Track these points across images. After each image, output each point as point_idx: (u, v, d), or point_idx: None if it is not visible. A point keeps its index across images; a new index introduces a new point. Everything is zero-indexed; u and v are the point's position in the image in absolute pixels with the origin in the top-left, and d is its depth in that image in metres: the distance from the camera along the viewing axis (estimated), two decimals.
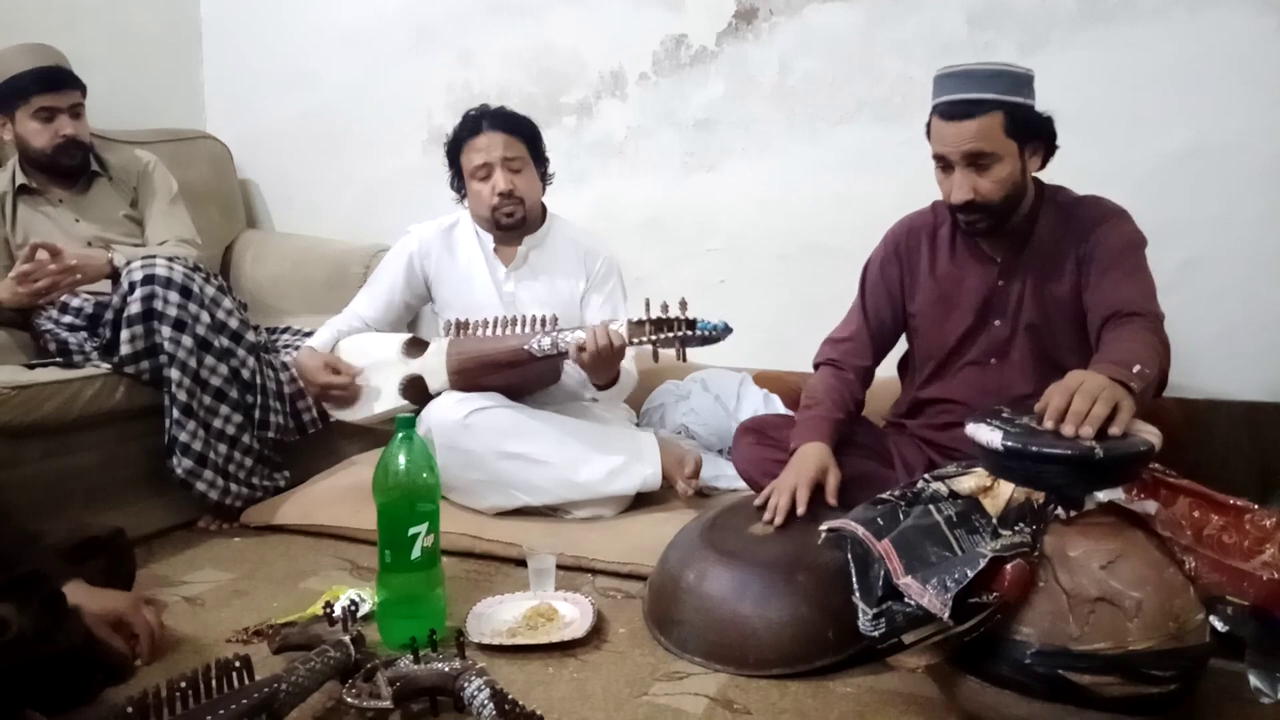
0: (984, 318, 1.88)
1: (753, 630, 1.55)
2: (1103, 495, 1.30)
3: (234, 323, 2.23)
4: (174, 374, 2.12)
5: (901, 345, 2.06)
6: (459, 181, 2.36)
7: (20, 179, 2.39)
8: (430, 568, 1.64)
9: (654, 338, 1.98)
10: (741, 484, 2.10)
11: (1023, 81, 1.73)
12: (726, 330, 1.97)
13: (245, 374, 2.24)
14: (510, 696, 1.32)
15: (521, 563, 1.89)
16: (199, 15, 3.33)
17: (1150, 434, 1.34)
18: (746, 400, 2.47)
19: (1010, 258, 1.85)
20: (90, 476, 2.12)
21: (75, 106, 2.37)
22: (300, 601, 1.81)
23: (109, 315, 2.15)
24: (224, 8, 3.31)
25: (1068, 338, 1.81)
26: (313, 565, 2.04)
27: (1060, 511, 1.30)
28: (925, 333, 1.95)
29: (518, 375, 2.18)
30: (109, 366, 2.15)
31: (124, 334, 2.10)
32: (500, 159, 2.25)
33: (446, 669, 1.39)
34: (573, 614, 1.71)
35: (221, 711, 1.25)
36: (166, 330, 2.11)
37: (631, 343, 2.01)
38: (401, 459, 1.63)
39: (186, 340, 2.13)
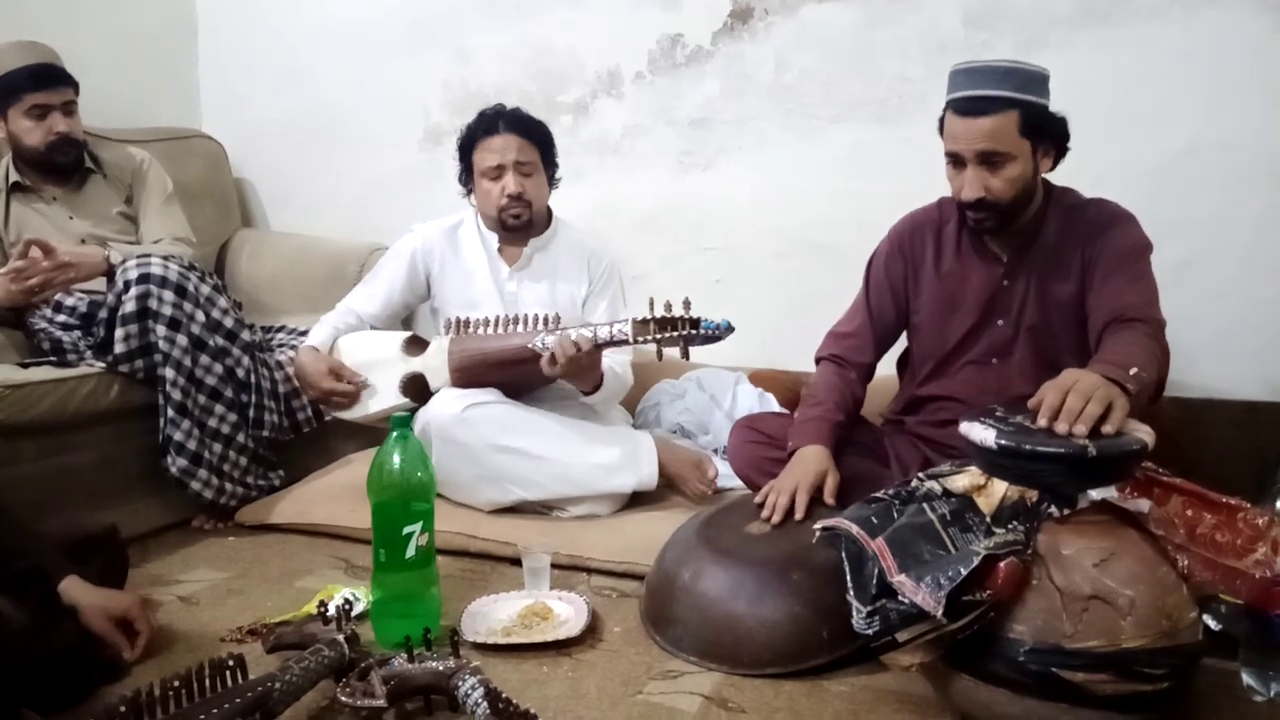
0: (987, 317, 1.88)
1: (748, 629, 1.55)
2: (1096, 494, 1.30)
3: (229, 322, 2.22)
4: (169, 373, 2.11)
5: (901, 342, 2.06)
6: (467, 177, 2.37)
7: (14, 176, 2.39)
8: (425, 567, 1.64)
9: (658, 336, 1.99)
10: (737, 482, 2.10)
11: (1038, 80, 1.73)
12: (729, 329, 1.98)
13: (240, 373, 2.24)
14: (504, 695, 1.32)
15: (517, 562, 1.89)
16: (195, 14, 3.33)
17: (1144, 433, 1.35)
18: (741, 399, 2.47)
19: (1015, 257, 1.85)
20: (85, 475, 2.12)
21: (68, 104, 2.36)
22: (295, 600, 1.81)
23: (103, 314, 2.15)
24: (220, 6, 3.30)
25: (1069, 340, 1.81)
26: (308, 564, 2.03)
27: (1054, 510, 1.30)
28: (927, 330, 1.95)
29: (520, 373, 2.18)
30: (103, 365, 2.15)
31: (118, 332, 2.10)
32: (513, 162, 2.27)
33: (441, 668, 1.39)
34: (568, 613, 1.71)
35: (215, 710, 1.25)
36: (161, 329, 2.10)
37: (636, 341, 2.02)
38: (396, 458, 1.63)
39: (181, 339, 2.12)
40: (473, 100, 2.96)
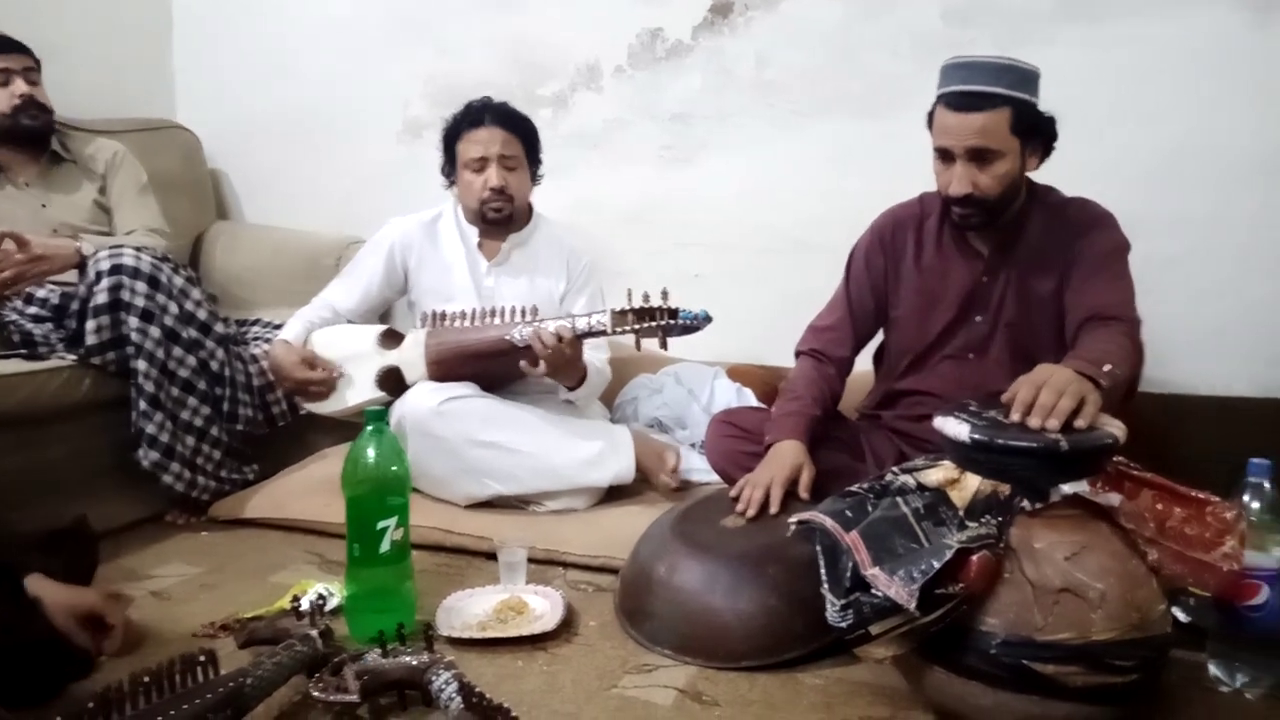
0: (966, 312, 1.89)
1: (723, 623, 1.56)
2: (1068, 488, 1.31)
3: (202, 314, 2.20)
4: (141, 365, 2.09)
5: (878, 337, 2.07)
6: (450, 168, 2.36)
7: None
8: (400, 561, 1.63)
9: (636, 327, 1.99)
10: (713, 476, 2.10)
11: (1030, 78, 1.74)
12: (707, 319, 1.98)
13: (214, 365, 2.22)
14: (479, 690, 1.32)
15: (492, 556, 1.88)
16: (170, 3, 3.29)
17: (1115, 427, 1.36)
18: (719, 394, 2.47)
19: (996, 254, 1.86)
20: (57, 469, 2.09)
21: (29, 70, 2.36)
22: (269, 595, 1.80)
23: (75, 305, 2.13)
24: None
25: (1046, 337, 1.82)
26: (282, 559, 2.02)
27: (1026, 504, 1.31)
28: (906, 325, 1.96)
29: (497, 366, 2.17)
30: (75, 358, 2.12)
31: (90, 324, 2.07)
32: (497, 155, 2.27)
33: (414, 662, 1.39)
34: (543, 607, 1.71)
35: (186, 706, 1.23)
36: (134, 321, 2.08)
37: (614, 332, 2.02)
38: (371, 452, 1.62)
39: (154, 331, 2.10)
40: (452, 93, 2.92)
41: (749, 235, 2.72)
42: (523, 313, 2.12)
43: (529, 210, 2.41)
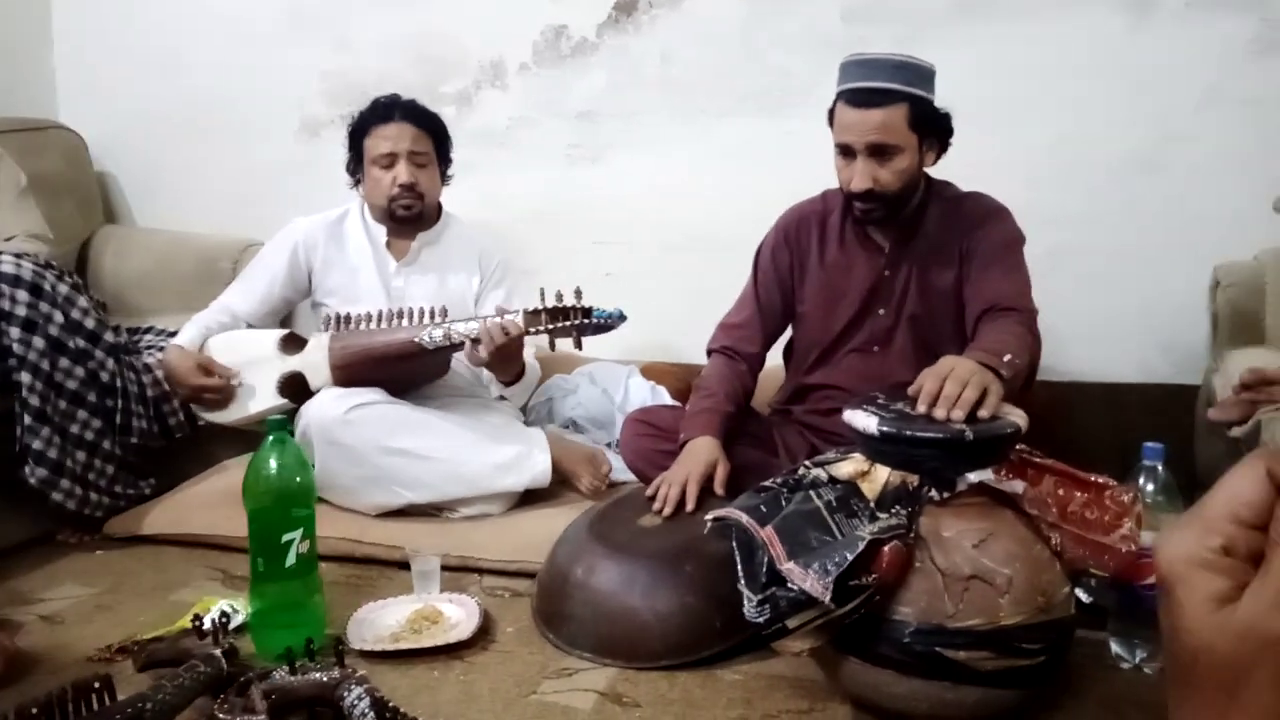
0: (869, 306, 1.92)
1: (642, 622, 1.55)
2: (973, 476, 1.35)
3: (90, 322, 2.10)
4: (24, 377, 1.98)
5: (788, 332, 2.09)
6: (356, 165, 2.30)
7: None
8: (307, 575, 1.58)
9: (550, 326, 1.97)
10: (629, 476, 2.09)
11: (926, 75, 1.78)
12: (621, 317, 1.97)
13: (104, 376, 2.12)
14: (392, 704, 1.29)
15: (405, 565, 1.84)
16: None
17: (1017, 416, 1.39)
18: (634, 393, 2.46)
19: (897, 248, 1.90)
20: None
21: None
22: (169, 615, 1.72)
23: None
24: None
25: (948, 328, 1.87)
26: (183, 576, 1.94)
27: (934, 493, 1.34)
28: (812, 320, 1.98)
29: (405, 369, 2.13)
30: None
31: None
32: (406, 151, 2.23)
33: (325, 679, 1.34)
34: (458, 615, 1.67)
35: None
36: (15, 331, 1.97)
37: (528, 332, 1.99)
38: (273, 462, 1.56)
39: (38, 341, 1.99)
40: (351, 90, 2.87)
41: (657, 233, 2.72)
42: (431, 314, 2.08)
43: (438, 209, 2.36)
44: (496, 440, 2.14)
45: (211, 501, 2.18)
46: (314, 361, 2.13)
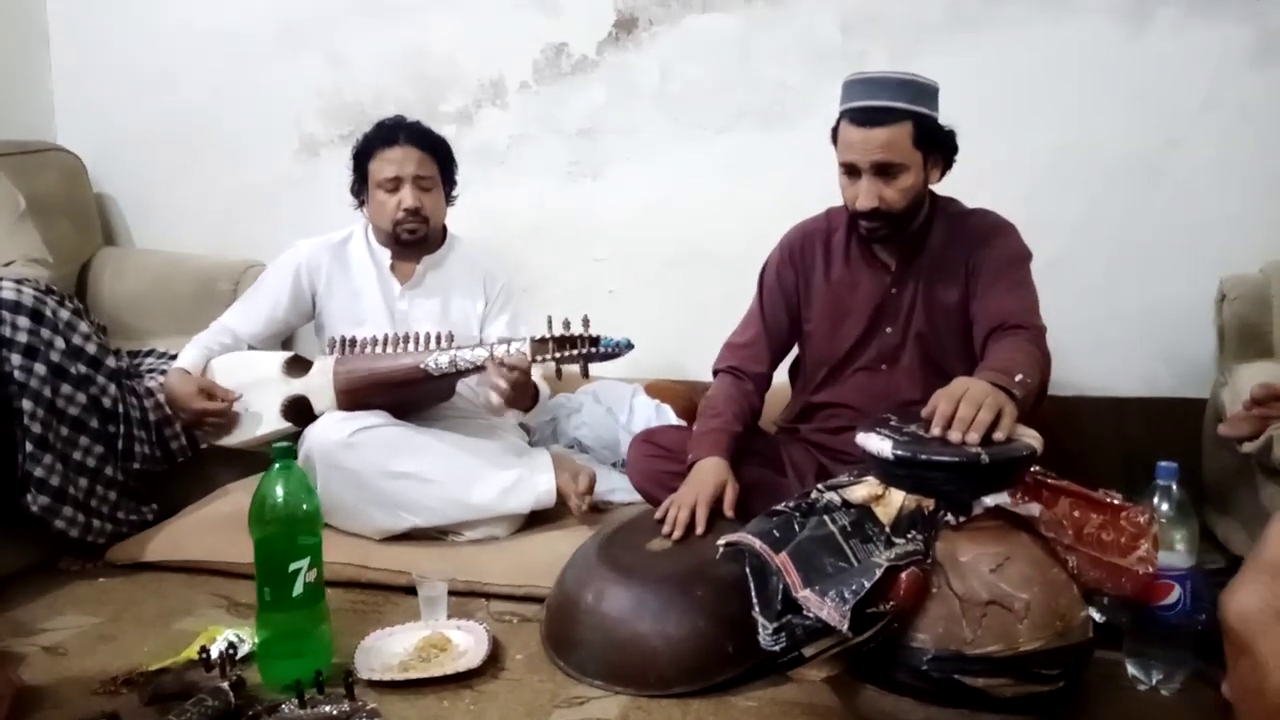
0: (876, 324, 1.91)
1: (652, 649, 1.53)
2: (989, 500, 1.34)
3: (92, 347, 2.08)
4: (26, 404, 1.96)
5: (793, 351, 2.08)
6: (360, 187, 2.28)
7: None
8: (314, 604, 1.57)
9: (557, 355, 1.95)
10: (636, 497, 2.08)
11: (930, 92, 1.77)
12: (629, 346, 1.96)
13: (106, 402, 2.10)
14: None
15: (411, 591, 1.82)
16: (45, 17, 3.11)
17: (1032, 438, 1.39)
18: (638, 412, 2.45)
19: (903, 265, 1.89)
20: None
21: None
22: (174, 644, 1.69)
23: None
24: (73, 10, 3.10)
25: (955, 346, 1.86)
26: (186, 604, 1.92)
27: (950, 517, 1.33)
28: (819, 339, 1.97)
29: (410, 394, 2.11)
30: None
31: None
32: (412, 175, 2.20)
33: (334, 712, 1.33)
34: (467, 642, 1.66)
35: None
36: (16, 358, 1.95)
37: (535, 360, 1.97)
38: (279, 490, 1.55)
39: (39, 368, 1.97)
40: (350, 109, 2.87)
41: (658, 249, 2.72)
42: (437, 339, 2.06)
43: (443, 231, 2.35)
44: (500, 462, 2.12)
45: (214, 527, 2.16)
46: (318, 385, 2.12)
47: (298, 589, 1.53)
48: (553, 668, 1.61)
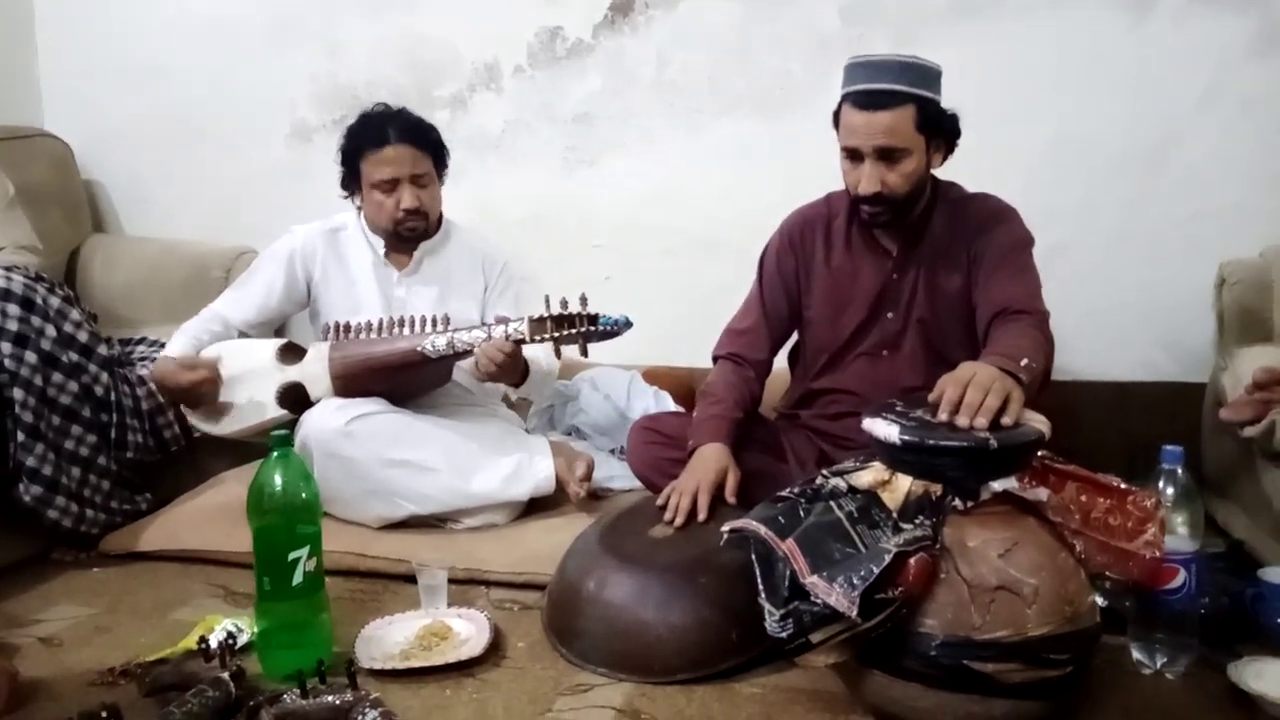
0: (877, 310, 1.90)
1: (656, 636, 1.52)
2: (997, 485, 1.33)
3: (83, 336, 2.06)
4: (17, 394, 1.94)
5: (793, 337, 2.06)
6: (352, 182, 2.23)
7: None
8: (314, 593, 1.55)
9: (555, 334, 1.93)
10: (635, 484, 2.07)
11: (932, 76, 1.76)
12: (628, 324, 1.95)
13: (98, 390, 2.07)
14: None
15: (411, 579, 1.81)
16: (31, 1, 3.07)
17: (1040, 423, 1.38)
18: (637, 398, 2.44)
19: (904, 251, 1.88)
20: None
21: None
22: (171, 635, 1.68)
23: None
24: None
25: (957, 332, 1.85)
26: (183, 594, 1.90)
27: (957, 503, 1.32)
28: (819, 325, 1.96)
29: (407, 379, 2.09)
30: None
31: None
32: (409, 175, 2.15)
33: (337, 701, 1.32)
34: (468, 630, 1.64)
35: None
36: (6, 347, 1.92)
37: (533, 340, 1.95)
38: (278, 479, 1.53)
39: (30, 356, 1.95)
40: (341, 94, 2.84)
41: (656, 236, 2.70)
42: (433, 322, 2.04)
43: (439, 217, 2.32)
44: (498, 449, 2.11)
45: (209, 516, 2.14)
46: (314, 372, 2.10)
47: (297, 578, 1.51)
48: (555, 655, 1.60)
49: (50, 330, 1.99)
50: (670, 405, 2.40)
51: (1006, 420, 1.36)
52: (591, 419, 2.45)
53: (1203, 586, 1.48)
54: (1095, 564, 1.36)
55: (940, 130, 1.79)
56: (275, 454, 1.55)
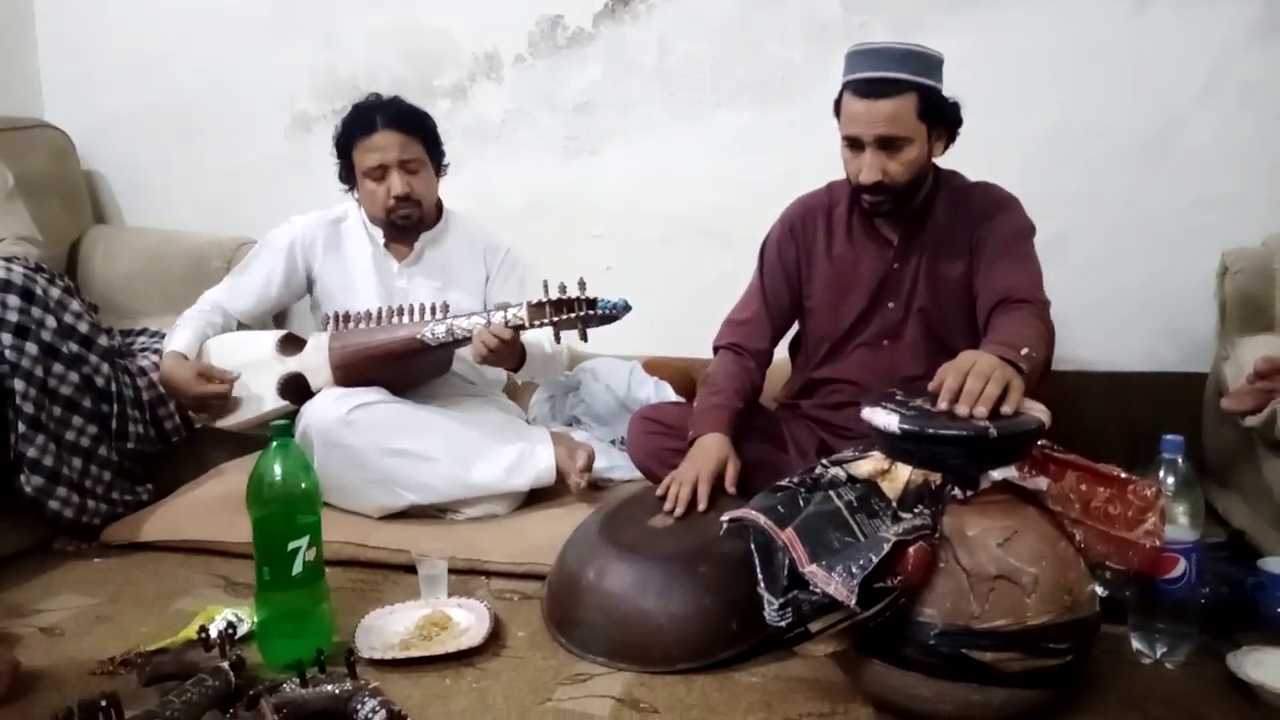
0: (878, 299, 1.89)
1: (656, 626, 1.52)
2: (997, 474, 1.33)
3: (84, 326, 2.06)
4: (18, 385, 1.94)
5: (794, 327, 2.06)
6: (348, 174, 2.23)
7: None
8: (314, 583, 1.55)
9: (555, 319, 1.93)
10: (635, 474, 2.07)
11: (934, 64, 1.75)
12: (626, 308, 1.94)
13: (99, 381, 2.07)
14: (406, 716, 1.26)
15: (411, 569, 1.81)
16: None
17: (1040, 411, 1.37)
18: (637, 388, 2.43)
19: (905, 240, 1.87)
20: None
21: None
22: (171, 625, 1.68)
23: None
24: None
25: (958, 321, 1.85)
26: (183, 584, 1.90)
27: (957, 492, 1.32)
28: (821, 314, 1.96)
29: (408, 367, 2.09)
30: None
31: None
32: (397, 160, 2.14)
33: (337, 691, 1.32)
34: (468, 620, 1.65)
35: None
36: (7, 338, 1.92)
37: (532, 325, 1.95)
38: (278, 469, 1.53)
39: (30, 347, 1.95)
40: (341, 85, 2.83)
41: (657, 225, 2.69)
42: (432, 310, 2.04)
43: (439, 206, 2.31)
44: (500, 439, 2.10)
45: (210, 507, 2.14)
46: (314, 362, 2.09)
47: (297, 568, 1.52)
48: (555, 645, 1.60)
49: (51, 321, 1.99)
50: (671, 395, 2.40)
51: (1006, 409, 1.35)
52: (592, 409, 2.45)
53: (1203, 576, 1.48)
54: (1095, 553, 1.36)
55: (942, 119, 1.78)
56: (275, 444, 1.55)
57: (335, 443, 2.01)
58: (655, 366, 2.53)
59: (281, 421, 1.59)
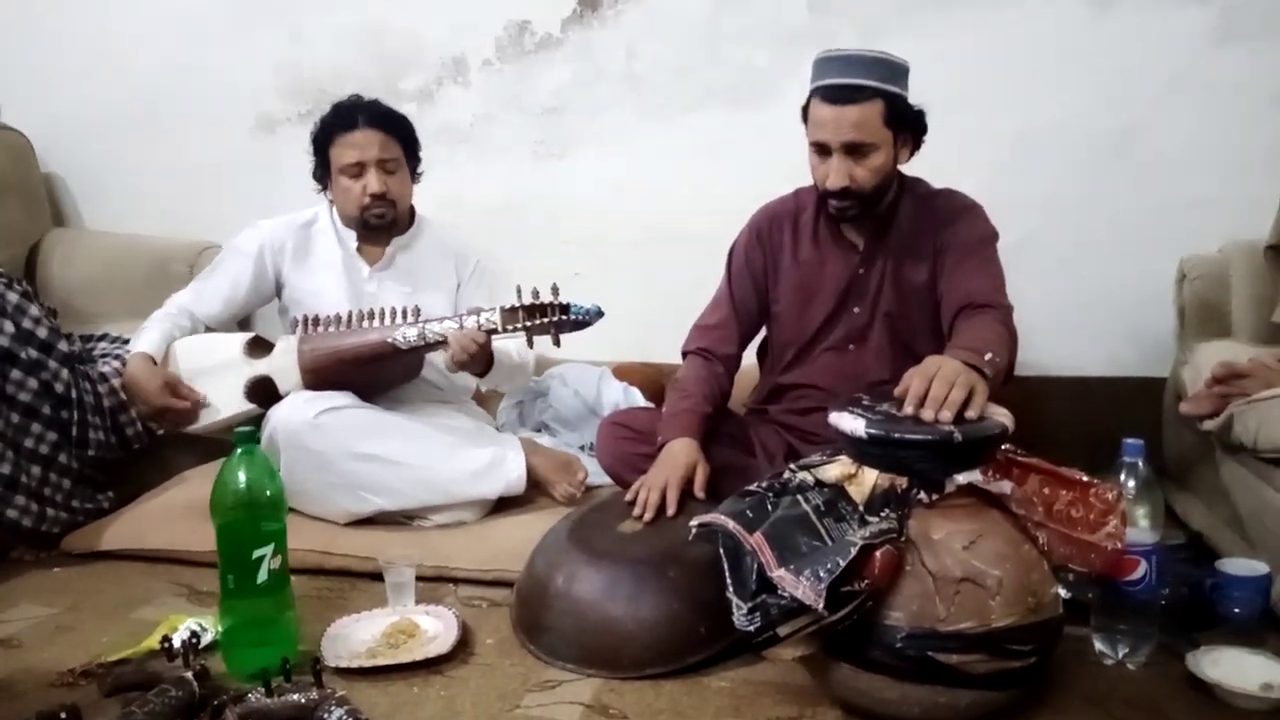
0: (844, 304, 1.91)
1: (625, 631, 1.52)
2: (962, 478, 1.34)
3: (42, 332, 2.03)
4: None
5: (761, 332, 2.07)
6: (323, 173, 2.23)
7: None
8: (279, 590, 1.53)
9: (527, 324, 1.93)
10: (605, 480, 2.07)
11: (901, 71, 1.77)
12: (599, 314, 1.95)
13: (58, 387, 2.04)
14: None
15: (378, 576, 1.79)
16: None
17: (1004, 416, 1.39)
18: (606, 394, 2.43)
19: (871, 245, 1.89)
20: None
21: None
22: (134, 634, 1.65)
23: None
24: None
25: (923, 325, 1.87)
26: (145, 593, 1.87)
27: (923, 496, 1.33)
28: (787, 319, 1.97)
29: (378, 371, 2.07)
30: None
31: None
32: (375, 159, 2.15)
33: (303, 700, 1.31)
34: (436, 628, 1.63)
35: None
36: None
37: (505, 330, 1.94)
38: (242, 475, 1.51)
39: None
40: (307, 85, 2.81)
41: (625, 230, 2.70)
42: (403, 313, 2.03)
43: (411, 212, 2.30)
44: (470, 445, 2.09)
45: (172, 514, 2.11)
46: (282, 365, 2.07)
47: (262, 576, 1.50)
48: (524, 652, 1.59)
49: (8, 326, 1.96)
50: (639, 401, 2.40)
51: (971, 413, 1.37)
52: (561, 414, 2.44)
53: (1163, 577, 1.50)
54: (1058, 556, 1.38)
55: (908, 125, 1.80)
56: (239, 450, 1.53)
57: (302, 446, 1.99)
58: (625, 372, 2.54)
59: (246, 428, 1.57)
